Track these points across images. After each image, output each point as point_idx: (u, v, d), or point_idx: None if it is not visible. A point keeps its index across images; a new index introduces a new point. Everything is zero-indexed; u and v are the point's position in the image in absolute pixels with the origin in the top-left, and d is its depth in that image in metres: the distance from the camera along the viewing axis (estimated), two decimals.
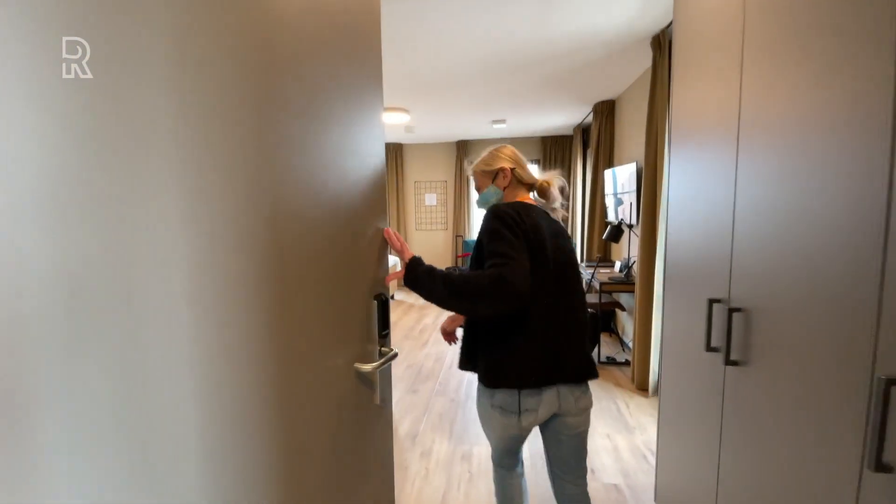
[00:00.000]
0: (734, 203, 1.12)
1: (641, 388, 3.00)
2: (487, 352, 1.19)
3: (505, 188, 1.32)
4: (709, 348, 1.21)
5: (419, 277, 1.10)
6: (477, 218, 6.92)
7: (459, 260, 6.84)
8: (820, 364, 0.80)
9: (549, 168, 6.44)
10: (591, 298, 3.81)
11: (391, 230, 1.09)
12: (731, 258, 1.13)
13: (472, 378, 3.22)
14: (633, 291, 3.45)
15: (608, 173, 4.25)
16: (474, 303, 1.02)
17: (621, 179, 3.99)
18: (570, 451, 1.25)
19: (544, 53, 3.09)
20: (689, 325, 1.38)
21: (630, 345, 3.75)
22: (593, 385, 3.12)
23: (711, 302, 1.20)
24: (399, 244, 1.10)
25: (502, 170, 1.30)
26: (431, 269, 1.10)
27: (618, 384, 3.12)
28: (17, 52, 0.35)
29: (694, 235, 1.36)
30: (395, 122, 5.04)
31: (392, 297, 6.12)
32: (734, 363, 1.11)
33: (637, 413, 2.68)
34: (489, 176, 1.33)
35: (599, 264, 4.03)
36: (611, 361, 3.55)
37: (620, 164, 4.12)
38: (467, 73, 3.52)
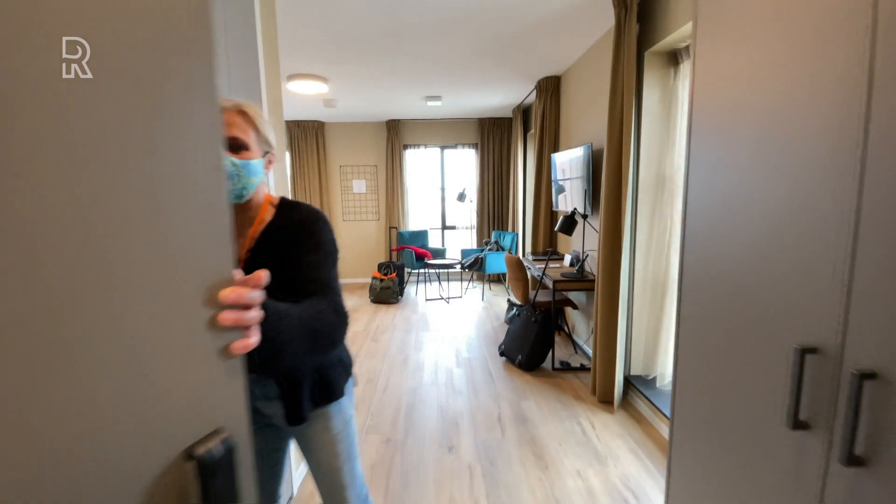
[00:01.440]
0: (857, 210, 0.66)
1: (604, 400, 2.65)
2: (336, 358, 1.07)
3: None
4: (796, 424, 0.76)
5: (282, 326, 0.67)
6: (414, 207, 6.33)
7: (394, 254, 6.21)
8: None
9: (488, 154, 6.00)
10: (542, 297, 3.43)
11: (239, 277, 0.49)
12: (850, 289, 0.67)
13: (411, 404, 2.68)
14: (589, 289, 3.10)
15: (553, 157, 3.87)
16: (332, 347, 0.83)
17: (562, 165, 3.65)
18: None
19: (484, 11, 2.54)
20: (736, 375, 0.94)
21: (585, 347, 3.44)
22: (550, 399, 2.72)
23: (803, 352, 0.74)
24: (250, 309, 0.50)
25: (273, 155, 0.95)
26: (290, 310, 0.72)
27: (577, 396, 2.75)
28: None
29: (742, 246, 0.91)
30: (309, 93, 4.23)
31: None
32: (858, 461, 0.66)
33: (605, 435, 2.31)
34: (262, 146, 0.91)
35: (550, 258, 3.65)
36: (565, 367, 3.19)
37: (569, 147, 3.75)
38: (396, 34, 2.88)
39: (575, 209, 3.16)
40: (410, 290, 5.86)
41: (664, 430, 2.28)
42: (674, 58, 2.42)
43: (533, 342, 3.10)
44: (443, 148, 6.27)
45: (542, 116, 4.17)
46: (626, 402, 2.65)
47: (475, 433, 2.35)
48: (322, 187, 6.09)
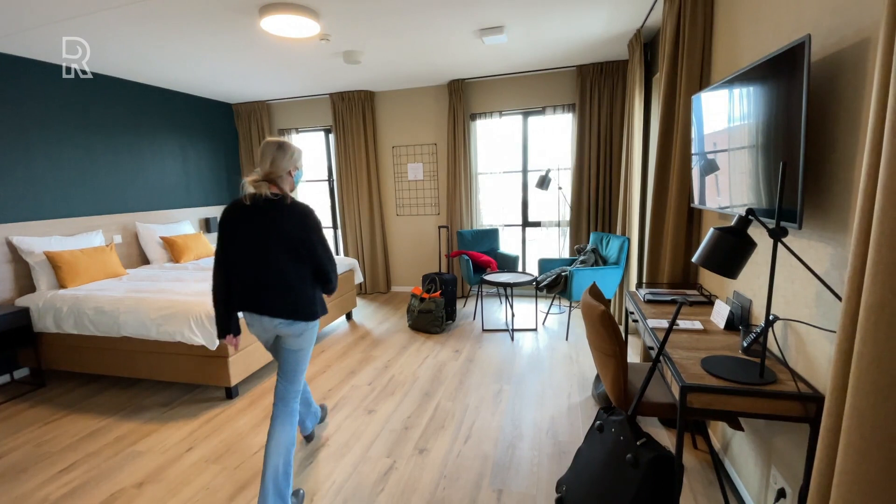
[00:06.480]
0: None
1: None
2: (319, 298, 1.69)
3: None
4: None
5: None
6: (484, 197, 4.77)
7: (447, 261, 4.75)
8: None
9: (592, 117, 4.10)
10: (658, 394, 1.64)
11: None
12: None
13: None
14: (786, 417, 1.26)
15: (698, 102, 1.96)
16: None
17: (716, 116, 1.77)
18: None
19: None
20: None
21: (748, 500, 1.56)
22: None
23: None
24: None
25: None
26: None
27: None
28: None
29: None
30: (296, 35, 2.89)
31: (349, 317, 4.22)
32: None
33: None
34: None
35: (682, 306, 1.77)
36: None
37: (735, 69, 1.81)
38: None
39: (749, 212, 1.31)
40: (469, 309, 4.37)
41: None
42: None
43: None
44: (525, 115, 4.54)
45: (677, 32, 2.24)
46: None
47: None
48: (371, 175, 4.91)
